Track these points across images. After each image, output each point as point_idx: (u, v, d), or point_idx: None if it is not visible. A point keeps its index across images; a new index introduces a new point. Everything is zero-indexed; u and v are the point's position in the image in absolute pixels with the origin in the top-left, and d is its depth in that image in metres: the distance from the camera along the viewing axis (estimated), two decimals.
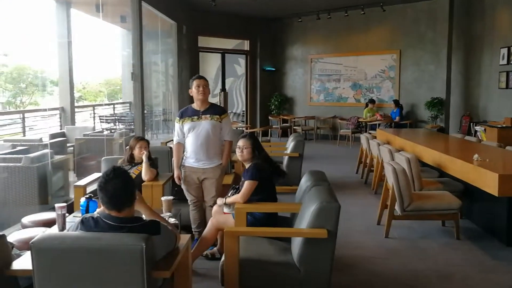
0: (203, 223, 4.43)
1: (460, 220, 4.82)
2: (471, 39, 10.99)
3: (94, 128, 9.16)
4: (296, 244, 3.07)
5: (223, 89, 13.72)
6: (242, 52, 14.64)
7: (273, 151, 8.57)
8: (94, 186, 5.17)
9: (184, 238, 2.85)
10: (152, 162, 4.80)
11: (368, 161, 7.68)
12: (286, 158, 6.86)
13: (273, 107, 14.37)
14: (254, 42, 14.26)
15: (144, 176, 4.61)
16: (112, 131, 12.00)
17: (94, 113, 12.88)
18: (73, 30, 8.96)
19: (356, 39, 13.11)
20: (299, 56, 14.35)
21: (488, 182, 4.16)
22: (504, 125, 9.11)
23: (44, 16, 8.88)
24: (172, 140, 7.75)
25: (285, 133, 13.90)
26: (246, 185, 3.73)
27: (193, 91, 4.36)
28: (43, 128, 10.21)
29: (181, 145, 4.53)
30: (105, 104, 14.09)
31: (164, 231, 2.52)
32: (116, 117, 12.81)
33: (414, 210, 4.60)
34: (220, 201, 3.94)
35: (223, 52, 14.12)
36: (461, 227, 4.85)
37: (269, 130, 11.02)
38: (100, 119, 12.66)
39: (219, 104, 4.43)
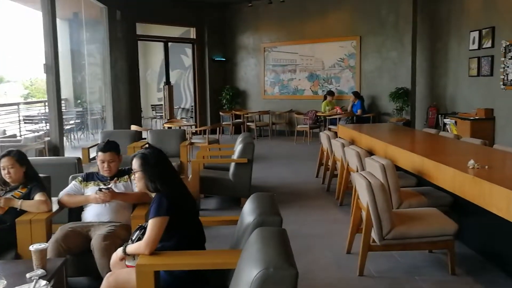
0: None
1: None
2: (437, 23, 10.07)
3: (5, 132, 7.59)
4: None
5: (168, 82, 12.31)
6: (187, 41, 13.24)
7: (222, 156, 7.33)
8: None
9: None
10: (39, 185, 3.42)
11: (330, 163, 6.54)
12: (232, 165, 5.60)
13: (224, 101, 13.08)
14: (201, 30, 12.87)
15: (35, 211, 3.27)
16: (39, 133, 10.44)
17: (19, 114, 11.27)
18: None
19: (312, 25, 11.97)
20: (250, 45, 13.09)
21: (496, 200, 3.06)
22: (477, 117, 8.22)
23: None
24: (96, 145, 6.37)
25: (238, 130, 12.65)
26: (151, 225, 2.47)
27: (98, 163, 3.59)
28: None
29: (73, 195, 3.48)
30: (32, 102, 12.42)
31: None
32: (44, 117, 11.20)
33: (396, 238, 3.46)
34: (119, 251, 2.65)
35: (166, 41, 12.67)
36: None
37: (218, 128, 9.72)
38: (24, 120, 11.04)
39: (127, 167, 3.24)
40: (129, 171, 3.55)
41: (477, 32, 8.57)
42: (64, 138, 11.72)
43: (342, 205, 5.60)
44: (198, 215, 2.76)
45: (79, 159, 4.50)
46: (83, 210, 3.44)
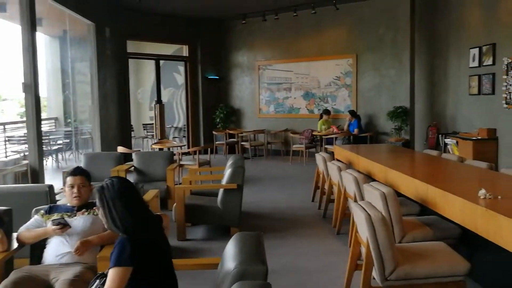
0: None
1: None
2: (436, 39, 9.78)
3: None
4: None
5: (159, 100, 11.96)
6: (180, 59, 12.93)
7: (213, 179, 6.91)
8: None
9: None
10: None
11: (326, 187, 6.15)
12: (221, 191, 5.21)
13: (218, 120, 12.73)
14: (193, 47, 12.58)
15: None
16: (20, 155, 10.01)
17: (4, 134, 10.88)
18: None
19: (307, 42, 11.69)
20: (245, 63, 12.80)
21: None
22: (479, 137, 7.87)
23: None
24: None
25: (232, 150, 12.31)
26: (111, 276, 2.09)
27: (66, 190, 3.24)
28: None
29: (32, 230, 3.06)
30: (18, 122, 11.99)
31: None
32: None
33: (400, 278, 3.06)
34: None
35: (158, 59, 12.36)
36: None
37: (209, 148, 9.24)
38: (8, 140, 10.64)
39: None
40: None
41: (477, 49, 8.26)
42: (52, 159, 11.41)
43: (339, 234, 5.20)
44: (171, 257, 2.37)
45: (51, 186, 4.10)
46: (45, 248, 3.04)
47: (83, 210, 3.13)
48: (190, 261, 2.54)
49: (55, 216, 3.07)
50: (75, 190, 3.15)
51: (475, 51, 8.33)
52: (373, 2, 10.51)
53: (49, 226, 2.98)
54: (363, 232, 3.22)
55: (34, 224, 3.07)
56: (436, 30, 9.76)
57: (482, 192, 3.26)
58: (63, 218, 3.00)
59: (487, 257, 3.63)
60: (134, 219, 2.22)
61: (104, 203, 2.23)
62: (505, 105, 7.55)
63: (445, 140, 8.80)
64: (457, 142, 8.29)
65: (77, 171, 3.23)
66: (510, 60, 7.38)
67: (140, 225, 2.23)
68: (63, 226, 2.91)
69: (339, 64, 11.26)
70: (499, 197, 3.22)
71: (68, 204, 3.18)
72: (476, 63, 8.34)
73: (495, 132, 7.82)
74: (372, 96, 10.81)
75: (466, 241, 3.74)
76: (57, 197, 4.31)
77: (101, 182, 2.39)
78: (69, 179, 3.18)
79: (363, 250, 3.35)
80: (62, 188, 3.30)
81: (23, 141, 10.86)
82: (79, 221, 3.05)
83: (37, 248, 3.13)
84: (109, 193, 2.24)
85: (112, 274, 2.07)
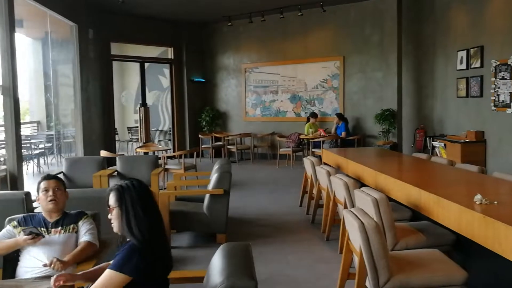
0: None
1: None
2: (423, 42, 9.74)
3: None
4: None
5: (144, 103, 11.75)
6: (165, 61, 12.74)
7: (199, 184, 6.77)
8: None
9: None
10: None
11: (314, 192, 6.01)
12: (207, 197, 5.04)
13: (204, 123, 12.56)
14: (179, 50, 12.41)
15: None
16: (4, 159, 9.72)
17: None
18: None
19: (294, 45, 11.59)
20: (231, 66, 12.65)
21: None
22: (467, 140, 7.82)
23: None
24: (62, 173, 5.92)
25: (218, 153, 12.15)
26: (106, 276, 1.97)
27: (40, 196, 3.02)
28: None
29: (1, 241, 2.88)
30: None
31: None
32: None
33: None
34: None
35: (142, 61, 12.16)
36: None
37: (195, 152, 9.00)
38: None
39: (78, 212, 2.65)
40: (77, 217, 3.00)
41: (465, 51, 8.23)
42: (33, 163, 11.12)
43: (328, 240, 5.06)
44: (170, 271, 2.22)
45: (27, 194, 3.88)
46: (18, 261, 2.85)
47: (60, 228, 2.95)
48: (173, 273, 2.38)
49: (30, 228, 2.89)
50: (50, 193, 2.97)
51: (463, 53, 8.30)
52: (360, 4, 10.45)
53: (21, 236, 2.80)
54: (356, 240, 3.09)
55: (6, 235, 2.89)
56: (423, 33, 9.73)
57: (478, 197, 3.16)
58: (36, 227, 2.82)
59: (483, 264, 3.52)
60: (151, 225, 2.08)
61: (123, 204, 2.07)
62: (493, 108, 7.51)
63: (433, 143, 8.75)
64: (445, 144, 8.23)
65: (50, 175, 3.09)
66: (498, 63, 7.35)
67: (155, 233, 2.09)
68: (36, 236, 2.73)
69: (326, 66, 11.17)
70: (495, 202, 3.12)
71: (43, 213, 3.00)
72: (464, 66, 8.31)
73: (483, 134, 7.79)
74: (359, 99, 10.74)
75: (460, 247, 3.63)
76: (34, 205, 4.10)
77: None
78: (43, 184, 3.01)
79: (355, 258, 3.22)
80: (37, 197, 3.09)
81: (2, 146, 10.57)
82: (53, 238, 2.88)
83: (10, 261, 2.94)
84: (129, 194, 2.07)
85: (108, 275, 1.95)
